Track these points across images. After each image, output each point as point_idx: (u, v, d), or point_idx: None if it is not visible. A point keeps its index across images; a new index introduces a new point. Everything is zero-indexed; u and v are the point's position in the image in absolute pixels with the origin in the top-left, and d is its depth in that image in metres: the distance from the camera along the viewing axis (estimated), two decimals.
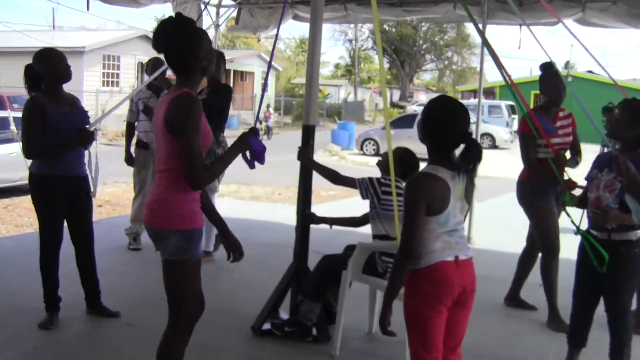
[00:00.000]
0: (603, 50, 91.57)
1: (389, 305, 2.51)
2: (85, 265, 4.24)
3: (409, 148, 4.04)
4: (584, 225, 3.52)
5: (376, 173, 4.02)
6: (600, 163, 3.49)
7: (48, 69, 3.94)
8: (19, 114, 5.62)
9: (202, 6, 7.56)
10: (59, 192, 3.97)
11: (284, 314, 4.18)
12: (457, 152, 2.58)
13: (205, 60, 2.71)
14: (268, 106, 27.89)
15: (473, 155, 2.49)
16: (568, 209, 3.83)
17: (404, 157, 3.92)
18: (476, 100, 8.70)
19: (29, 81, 3.97)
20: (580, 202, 3.59)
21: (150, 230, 2.74)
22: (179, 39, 2.66)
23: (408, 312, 2.55)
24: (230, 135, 4.42)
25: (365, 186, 3.81)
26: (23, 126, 3.90)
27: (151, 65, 6.01)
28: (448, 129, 2.52)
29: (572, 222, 3.60)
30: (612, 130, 3.51)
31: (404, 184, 3.88)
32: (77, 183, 4.09)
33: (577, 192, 3.81)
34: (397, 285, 2.52)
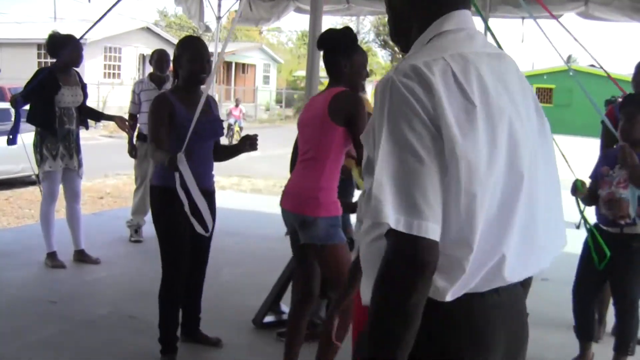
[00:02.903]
0: (606, 44, 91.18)
1: None
2: (194, 286, 3.68)
3: None
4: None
5: None
6: (609, 159, 3.43)
7: (180, 62, 3.36)
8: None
9: None
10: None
11: (285, 307, 4.18)
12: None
13: (354, 73, 3.08)
14: (237, 101, 21.18)
15: None
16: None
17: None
18: None
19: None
20: (590, 199, 3.50)
21: (294, 217, 2.95)
22: (334, 45, 3.02)
23: None
24: None
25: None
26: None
27: (156, 57, 6.00)
28: None
29: (580, 213, 3.49)
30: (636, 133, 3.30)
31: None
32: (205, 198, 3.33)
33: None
34: None
